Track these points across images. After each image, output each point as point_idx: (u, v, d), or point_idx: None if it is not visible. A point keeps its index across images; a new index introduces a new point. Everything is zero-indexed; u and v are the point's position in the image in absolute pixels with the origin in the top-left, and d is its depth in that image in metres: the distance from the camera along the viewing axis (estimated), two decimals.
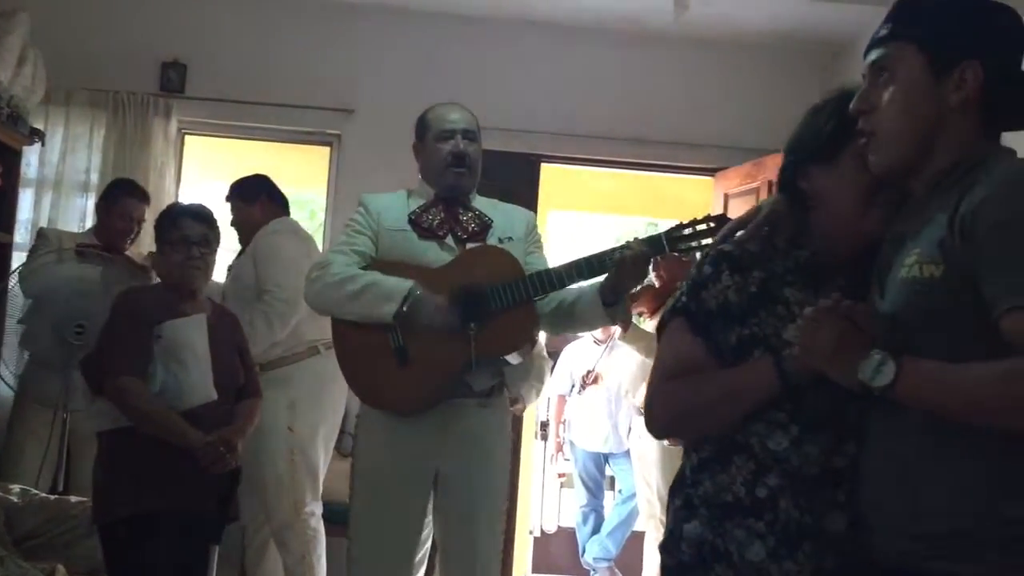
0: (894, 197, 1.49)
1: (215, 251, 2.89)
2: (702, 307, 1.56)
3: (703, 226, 2.54)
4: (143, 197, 3.95)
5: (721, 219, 2.62)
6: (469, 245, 2.66)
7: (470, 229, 2.67)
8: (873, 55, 1.47)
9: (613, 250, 2.53)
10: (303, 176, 4.52)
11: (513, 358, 2.59)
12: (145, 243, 3.97)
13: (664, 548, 1.60)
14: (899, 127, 1.41)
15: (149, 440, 2.67)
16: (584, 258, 2.56)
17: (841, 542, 1.46)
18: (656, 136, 4.83)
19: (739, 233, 1.64)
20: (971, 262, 1.29)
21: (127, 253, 3.86)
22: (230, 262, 3.84)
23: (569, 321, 2.67)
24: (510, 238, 2.70)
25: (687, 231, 2.53)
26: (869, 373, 1.33)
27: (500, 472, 2.69)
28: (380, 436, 2.65)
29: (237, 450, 2.75)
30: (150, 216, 4.33)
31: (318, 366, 3.58)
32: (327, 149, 4.84)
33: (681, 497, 1.58)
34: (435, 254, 2.63)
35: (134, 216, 3.87)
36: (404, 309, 2.49)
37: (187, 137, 4.81)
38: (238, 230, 3.79)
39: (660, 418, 1.62)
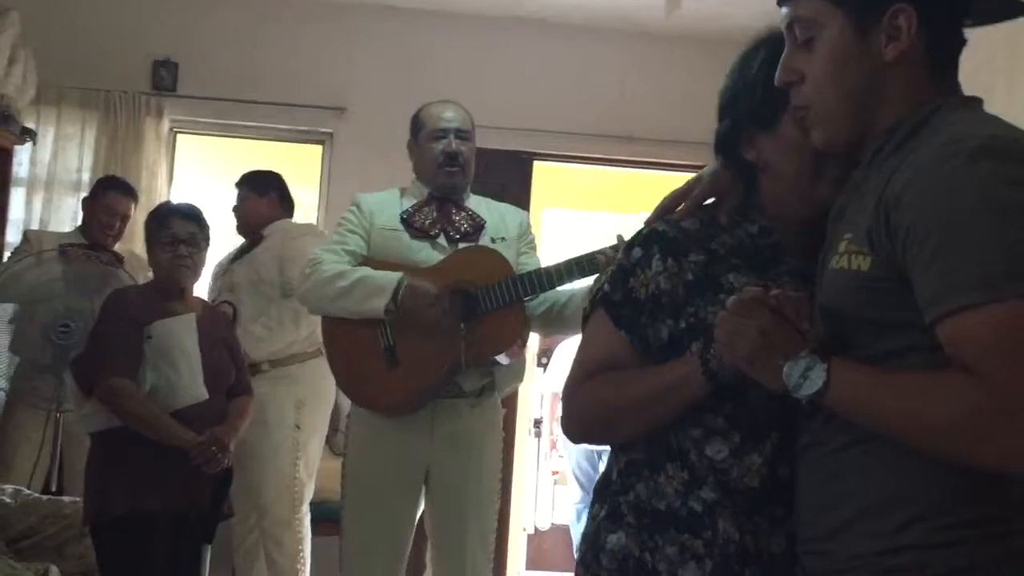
0: (848, 159, 1.26)
1: (205, 250, 2.89)
2: (629, 296, 1.35)
3: None
4: (128, 192, 3.94)
5: None
6: (461, 245, 2.66)
7: (463, 229, 2.67)
8: (784, 11, 1.25)
9: (602, 250, 2.52)
10: (295, 174, 4.52)
11: (503, 359, 2.59)
12: (139, 246, 3.97)
13: (582, 562, 1.39)
14: (832, 98, 1.20)
15: (141, 440, 2.67)
16: (574, 259, 2.55)
17: (784, 565, 1.28)
18: (648, 133, 4.83)
19: (678, 210, 1.41)
20: (901, 253, 1.08)
21: (116, 250, 3.85)
22: (231, 253, 3.80)
23: (560, 324, 2.68)
24: (503, 238, 2.69)
25: None
26: (794, 378, 1.14)
27: (491, 471, 2.69)
28: (371, 435, 2.65)
29: (229, 449, 2.76)
30: (143, 215, 4.36)
31: (323, 366, 3.59)
32: (319, 147, 4.84)
33: (607, 504, 1.38)
34: (427, 254, 2.63)
35: (118, 210, 3.85)
36: (396, 301, 2.48)
37: (179, 136, 4.80)
38: (240, 219, 3.77)
39: (577, 422, 1.42)
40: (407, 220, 2.67)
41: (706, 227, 1.39)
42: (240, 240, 3.90)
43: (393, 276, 2.53)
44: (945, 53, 1.19)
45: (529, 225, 2.83)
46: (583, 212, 7.38)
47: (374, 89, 4.70)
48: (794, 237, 1.35)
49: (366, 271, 2.57)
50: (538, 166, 4.97)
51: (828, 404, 1.14)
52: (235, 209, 3.80)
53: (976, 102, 1.20)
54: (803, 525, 1.24)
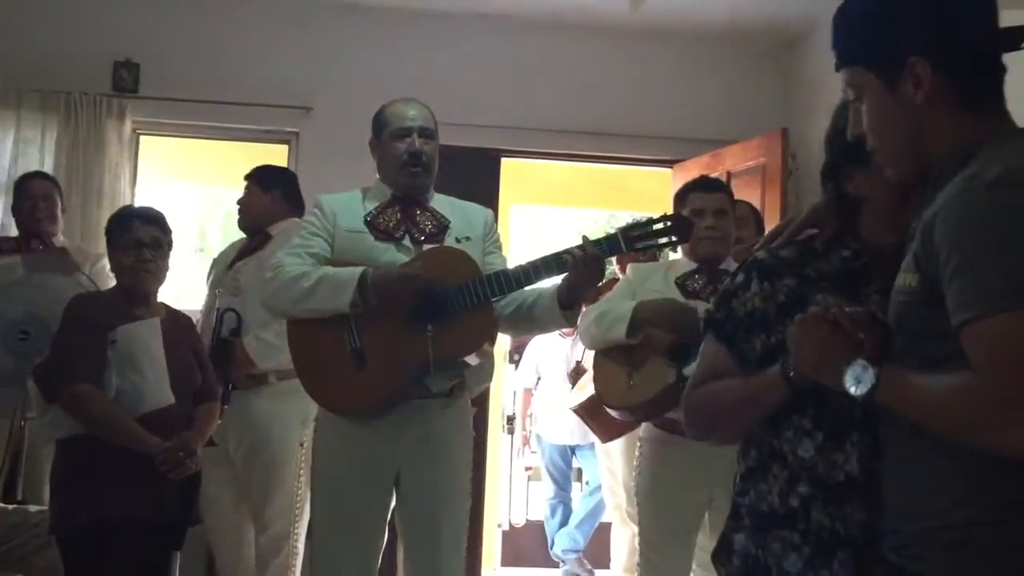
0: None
1: (168, 254, 2.86)
2: (731, 315, 1.59)
3: (660, 225, 2.55)
4: (44, 176, 3.89)
5: (677, 219, 2.63)
6: (427, 246, 2.64)
7: (427, 230, 2.65)
8: (842, 78, 1.46)
9: (568, 250, 2.52)
10: None
11: (471, 359, 2.58)
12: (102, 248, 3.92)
13: (716, 556, 1.63)
14: (888, 146, 1.41)
15: (106, 447, 2.64)
16: (541, 259, 2.55)
17: (873, 548, 1.45)
18: (615, 129, 4.85)
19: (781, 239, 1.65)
20: (936, 272, 1.26)
21: (58, 243, 3.77)
22: (228, 250, 3.70)
23: (528, 324, 2.67)
24: (468, 237, 2.68)
25: (644, 230, 2.54)
26: (850, 381, 1.33)
27: (462, 471, 2.69)
28: (339, 438, 2.63)
29: (196, 454, 2.73)
30: (106, 218, 4.30)
31: None
32: (285, 148, 4.81)
33: (732, 505, 1.62)
34: (392, 255, 2.61)
35: (33, 192, 3.77)
36: (363, 290, 2.46)
37: (142, 137, 4.74)
38: (243, 213, 3.63)
39: (689, 424, 1.67)
40: (371, 222, 2.64)
41: (802, 254, 1.61)
42: (235, 237, 3.81)
43: (355, 270, 2.51)
44: (975, 87, 1.33)
45: (494, 223, 2.82)
46: (551, 208, 7.41)
47: (340, 88, 4.67)
48: (888, 259, 1.51)
49: (328, 269, 2.55)
50: (506, 162, 4.97)
51: (879, 403, 1.33)
52: (239, 202, 3.65)
53: (1016, 132, 1.34)
54: (884, 509, 1.42)
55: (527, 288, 2.57)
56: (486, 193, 4.86)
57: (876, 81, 1.37)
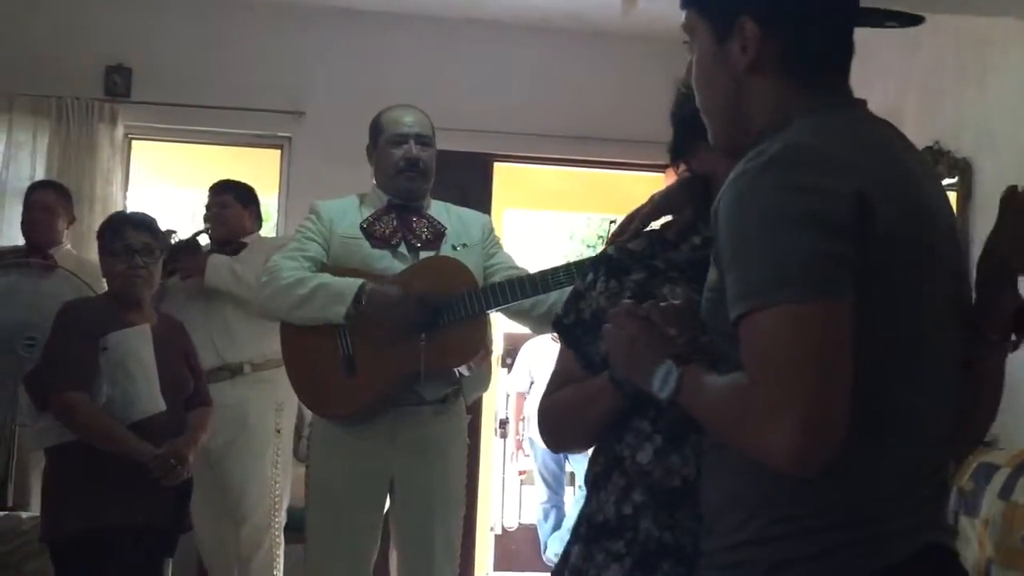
0: None
1: (159, 260, 2.86)
2: (578, 318, 1.46)
3: None
4: (52, 187, 3.88)
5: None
6: (423, 253, 2.63)
7: (424, 237, 2.65)
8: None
9: (565, 266, 2.50)
10: (254, 180, 4.49)
11: (463, 370, 2.57)
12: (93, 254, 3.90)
13: (554, 572, 1.49)
14: (707, 103, 1.25)
15: (98, 454, 2.63)
16: (538, 273, 2.54)
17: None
18: (607, 133, 4.85)
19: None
20: (722, 264, 1.12)
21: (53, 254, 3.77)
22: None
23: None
24: (464, 244, 2.67)
25: None
26: (657, 382, 1.20)
27: (456, 478, 2.68)
28: (333, 443, 2.63)
29: (188, 461, 2.73)
30: (98, 223, 4.29)
31: None
32: (277, 152, 4.80)
33: (577, 516, 1.49)
34: (388, 263, 2.61)
35: (44, 203, 3.77)
36: (361, 305, 2.46)
37: (134, 142, 4.74)
38: (219, 225, 3.69)
39: (542, 434, 1.54)
40: (367, 229, 2.64)
41: (652, 244, 1.46)
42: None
43: (354, 282, 2.50)
44: (806, 62, 1.19)
45: (492, 228, 2.81)
46: (544, 212, 7.41)
47: (332, 93, 4.67)
48: None
49: (326, 277, 2.55)
50: (499, 167, 4.97)
51: (683, 406, 1.19)
52: (213, 217, 3.72)
53: (834, 106, 1.19)
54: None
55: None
56: (479, 198, 4.87)
57: (706, 32, 1.23)
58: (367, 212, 2.68)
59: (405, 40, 4.77)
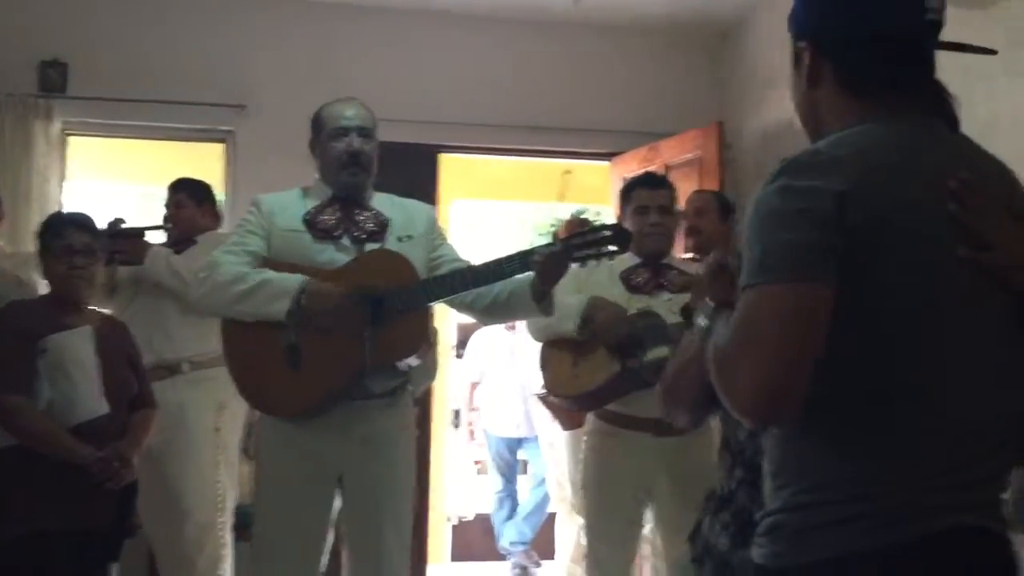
0: None
1: (100, 260, 2.82)
2: None
3: (600, 235, 2.54)
4: None
5: (616, 228, 2.64)
6: (368, 245, 2.62)
7: (367, 228, 2.63)
8: None
9: (508, 257, 2.52)
10: (198, 175, 4.42)
11: (410, 361, 2.58)
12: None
13: (689, 536, 1.70)
14: (799, 117, 1.43)
15: (39, 458, 2.59)
16: (481, 264, 2.55)
17: None
18: (554, 123, 4.86)
19: None
20: None
21: None
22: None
23: (507, 312, 2.68)
24: (410, 236, 2.66)
25: (584, 240, 2.52)
26: (701, 316, 1.47)
27: (405, 470, 2.68)
28: (281, 440, 2.60)
29: (132, 464, 2.69)
30: (36, 221, 4.20)
31: None
32: (221, 146, 4.74)
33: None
34: (330, 255, 2.59)
35: None
36: (300, 303, 2.45)
37: (71, 138, 4.63)
38: (174, 224, 3.66)
39: (665, 408, 1.69)
40: (310, 221, 2.62)
41: None
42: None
43: (295, 279, 2.49)
44: (856, 80, 1.33)
45: (435, 219, 2.81)
46: (492, 202, 7.40)
47: (276, 85, 4.61)
48: None
49: (267, 274, 2.53)
50: (444, 158, 4.96)
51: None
52: (170, 217, 3.68)
53: (880, 119, 1.30)
54: None
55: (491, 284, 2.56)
56: (425, 189, 4.84)
57: (791, 57, 1.42)
58: (310, 205, 2.66)
59: (350, 31, 4.73)
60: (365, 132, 2.67)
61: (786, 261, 1.19)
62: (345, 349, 2.48)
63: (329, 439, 2.56)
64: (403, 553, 2.66)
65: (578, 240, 2.53)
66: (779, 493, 1.27)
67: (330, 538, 2.67)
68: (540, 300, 2.56)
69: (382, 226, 2.65)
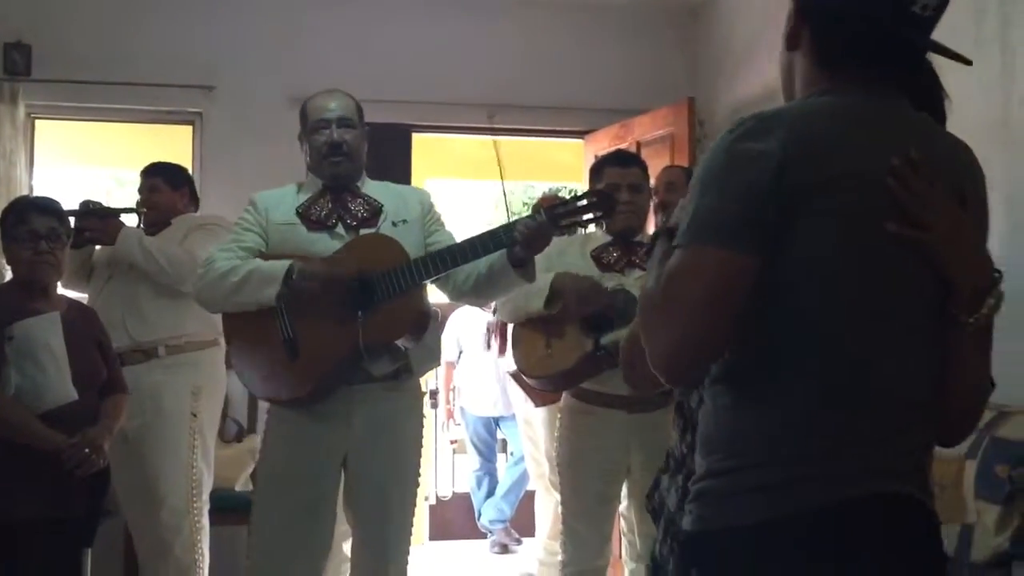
0: None
1: (65, 245, 2.79)
2: None
3: (584, 202, 2.58)
4: None
5: (600, 194, 2.64)
6: (362, 231, 2.65)
7: (360, 215, 2.66)
8: None
9: (492, 232, 2.53)
10: (166, 157, 4.37)
11: (403, 342, 2.58)
12: None
13: (648, 494, 1.70)
14: (781, 82, 1.44)
15: (9, 446, 2.57)
16: (466, 241, 2.57)
17: None
18: (526, 101, 4.84)
19: None
20: None
21: None
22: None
23: (491, 286, 2.68)
24: (404, 220, 2.68)
25: (567, 208, 2.55)
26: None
27: (410, 455, 2.68)
28: (285, 427, 2.63)
29: (104, 449, 2.68)
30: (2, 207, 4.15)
31: (219, 354, 3.55)
32: (189, 128, 4.69)
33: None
34: (325, 244, 2.62)
35: None
36: (290, 282, 2.49)
37: (37, 122, 4.58)
38: (150, 209, 3.62)
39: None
40: (303, 213, 2.66)
41: None
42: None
43: (283, 263, 2.53)
44: (827, 51, 1.33)
45: (432, 204, 2.81)
46: (465, 180, 7.40)
47: (243, 66, 4.57)
48: None
49: (256, 263, 2.57)
50: (417, 137, 4.94)
51: None
52: (144, 203, 3.64)
53: (841, 92, 1.29)
54: None
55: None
56: (398, 168, 4.82)
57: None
58: (303, 197, 2.70)
59: (320, 11, 4.68)
60: (346, 122, 2.69)
61: (714, 225, 1.20)
62: (339, 332, 2.51)
63: (332, 423, 2.59)
64: (405, 536, 2.68)
65: (562, 209, 2.55)
66: (706, 459, 1.29)
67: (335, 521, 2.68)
68: (521, 267, 2.57)
69: (375, 212, 2.67)
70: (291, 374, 2.56)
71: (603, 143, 4.76)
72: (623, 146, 4.48)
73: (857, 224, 1.22)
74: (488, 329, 5.45)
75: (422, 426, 2.77)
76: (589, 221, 2.62)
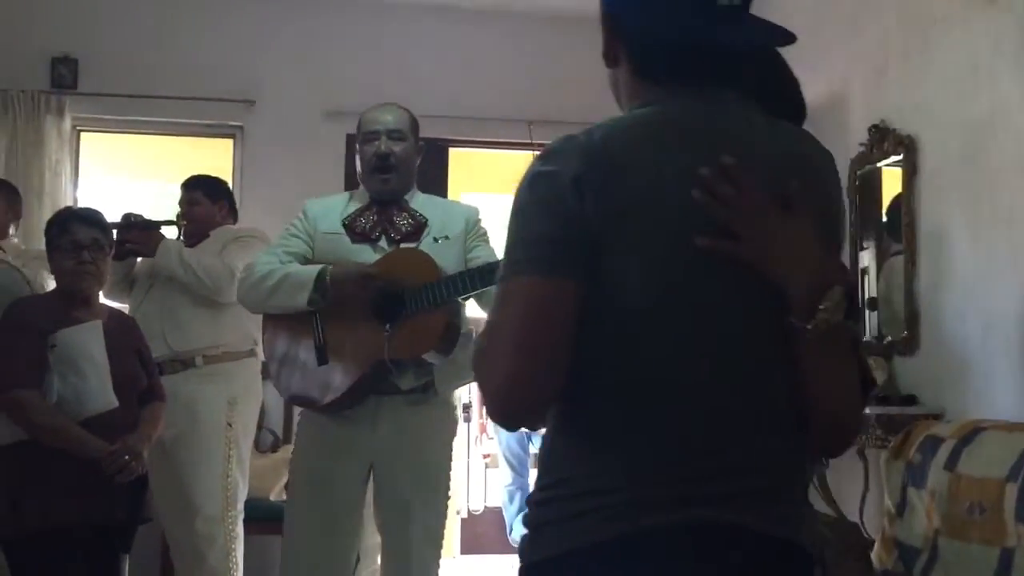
0: None
1: (108, 255, 2.84)
2: None
3: None
4: None
5: None
6: (403, 246, 2.66)
7: (404, 230, 2.68)
8: None
9: None
10: (206, 170, 4.45)
11: (430, 357, 2.58)
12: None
13: None
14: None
15: (51, 452, 2.61)
16: (497, 260, 2.54)
17: None
18: (562, 116, 4.83)
19: None
20: None
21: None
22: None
23: None
24: (446, 237, 2.68)
25: None
26: None
27: (435, 468, 2.69)
28: (315, 431, 2.67)
29: (143, 457, 2.72)
30: (47, 218, 4.23)
31: (255, 365, 3.60)
32: (230, 142, 4.76)
33: None
34: (368, 256, 2.64)
35: None
36: (325, 286, 2.52)
37: (83, 134, 4.67)
38: (189, 222, 3.69)
39: None
40: (349, 225, 2.69)
41: None
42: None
43: (313, 269, 2.57)
44: (645, 65, 1.26)
45: (478, 219, 2.80)
46: (500, 196, 7.41)
47: (283, 81, 4.63)
48: None
49: (291, 268, 2.62)
50: (455, 152, 4.96)
51: None
52: (184, 215, 3.71)
53: (656, 103, 1.23)
54: None
55: None
56: (435, 183, 4.85)
57: None
58: (352, 208, 2.73)
59: (357, 27, 4.74)
60: (397, 135, 2.71)
61: (528, 254, 1.15)
62: (367, 344, 2.54)
63: (359, 430, 2.62)
64: (434, 547, 2.68)
65: None
66: (536, 488, 1.23)
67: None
68: None
69: (419, 227, 2.69)
70: (318, 381, 2.60)
71: None
72: None
73: (668, 240, 1.16)
74: None
75: (453, 437, 2.77)
76: None
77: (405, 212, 2.71)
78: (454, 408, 2.83)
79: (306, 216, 2.74)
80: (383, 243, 2.67)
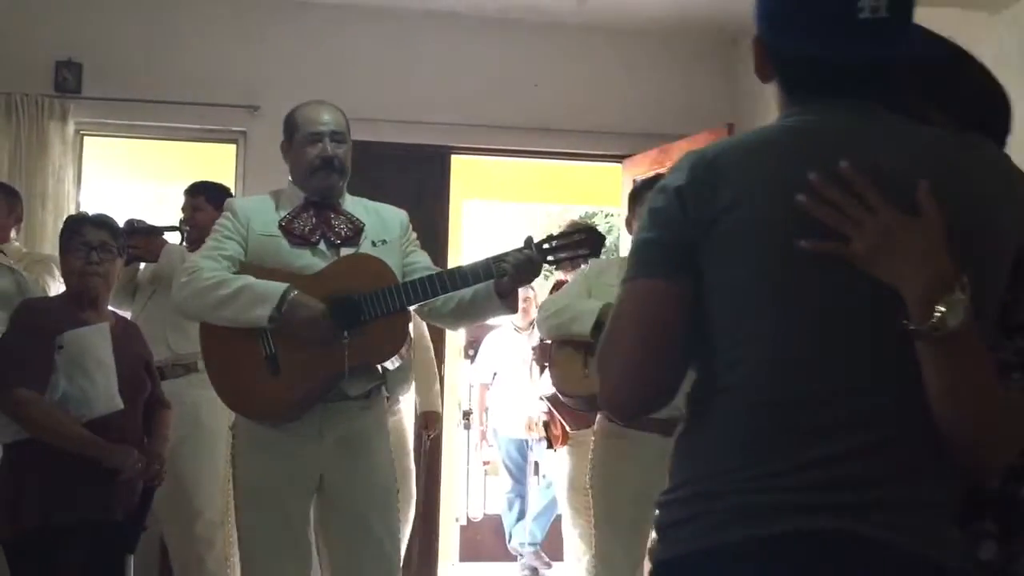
0: None
1: (116, 259, 2.85)
2: None
3: (573, 238, 2.59)
4: None
5: (590, 233, 2.65)
6: (343, 250, 2.61)
7: (343, 233, 2.62)
8: None
9: (484, 262, 2.54)
10: (209, 175, 4.45)
11: (388, 364, 2.58)
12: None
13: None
14: None
15: (54, 451, 2.62)
16: (457, 268, 2.59)
17: None
18: (565, 125, 4.87)
19: None
20: None
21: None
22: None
23: (471, 315, 2.69)
24: (384, 241, 2.65)
25: (557, 243, 2.57)
26: None
27: (386, 472, 2.66)
28: (259, 444, 2.60)
29: (166, 460, 2.78)
30: (50, 220, 4.24)
31: None
32: (232, 147, 4.77)
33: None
34: (307, 260, 2.58)
35: None
36: (280, 312, 2.45)
37: (86, 138, 4.68)
38: (192, 228, 3.67)
39: None
40: (286, 227, 2.61)
41: None
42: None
43: (278, 287, 2.48)
44: (792, 77, 1.30)
45: (409, 224, 2.78)
46: (503, 203, 7.45)
47: (287, 86, 4.61)
48: None
49: (248, 279, 2.51)
50: (456, 159, 4.98)
51: None
52: (187, 221, 3.70)
53: (792, 115, 1.28)
54: None
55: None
56: (437, 190, 4.89)
57: None
58: (284, 210, 2.65)
59: (360, 33, 4.76)
60: (338, 136, 2.65)
61: (643, 258, 1.24)
62: (324, 353, 2.48)
63: (306, 441, 2.55)
64: (388, 553, 2.64)
65: (550, 244, 2.57)
66: (663, 493, 1.27)
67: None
68: (505, 297, 2.56)
69: (357, 231, 2.64)
70: (270, 391, 2.52)
71: (642, 167, 4.78)
72: (662, 171, 4.48)
73: (776, 244, 1.16)
74: (533, 353, 5.47)
75: (389, 443, 2.73)
76: (578, 257, 2.62)
77: (341, 215, 2.65)
78: (388, 411, 2.80)
79: (236, 216, 2.61)
80: (322, 246, 2.60)
